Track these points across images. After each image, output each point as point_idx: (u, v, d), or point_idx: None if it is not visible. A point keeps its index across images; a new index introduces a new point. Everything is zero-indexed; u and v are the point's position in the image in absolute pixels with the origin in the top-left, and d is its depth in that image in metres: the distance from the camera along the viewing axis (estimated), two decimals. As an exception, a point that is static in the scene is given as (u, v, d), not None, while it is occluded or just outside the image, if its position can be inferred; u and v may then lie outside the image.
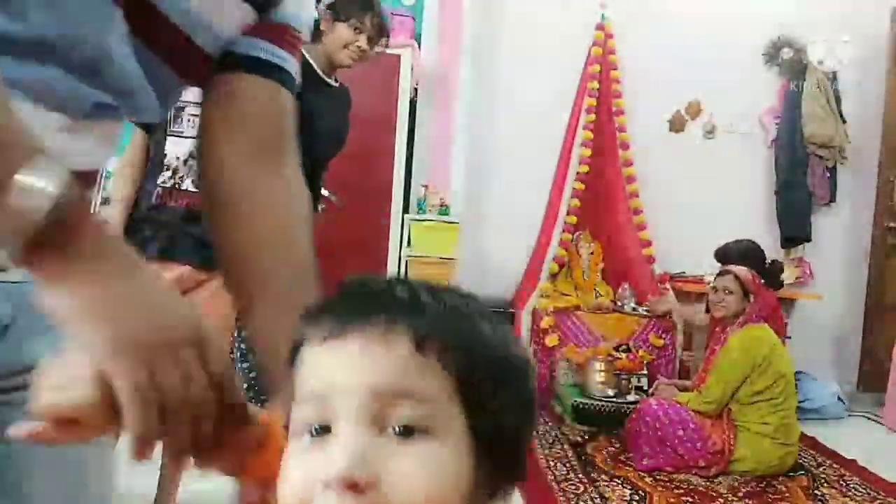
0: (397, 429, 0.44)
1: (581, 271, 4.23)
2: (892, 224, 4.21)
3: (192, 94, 1.99)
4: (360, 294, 0.48)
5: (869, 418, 3.90)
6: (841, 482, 2.85)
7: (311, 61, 2.15)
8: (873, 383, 4.18)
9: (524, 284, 4.16)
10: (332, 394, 0.45)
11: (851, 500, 2.67)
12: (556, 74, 4.24)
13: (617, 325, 3.91)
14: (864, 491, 2.77)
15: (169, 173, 2.03)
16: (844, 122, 4.31)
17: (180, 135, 2.04)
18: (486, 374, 0.47)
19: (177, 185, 2.01)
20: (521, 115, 4.20)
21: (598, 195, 4.26)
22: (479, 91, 4.15)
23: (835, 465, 3.04)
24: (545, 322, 3.84)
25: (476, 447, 0.46)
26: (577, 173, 4.15)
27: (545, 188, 4.28)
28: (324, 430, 0.45)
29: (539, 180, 4.27)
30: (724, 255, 3.57)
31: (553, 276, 4.11)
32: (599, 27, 4.24)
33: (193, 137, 1.99)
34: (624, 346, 3.80)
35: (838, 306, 4.39)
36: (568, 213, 4.14)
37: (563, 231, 4.13)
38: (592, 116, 4.17)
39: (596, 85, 4.21)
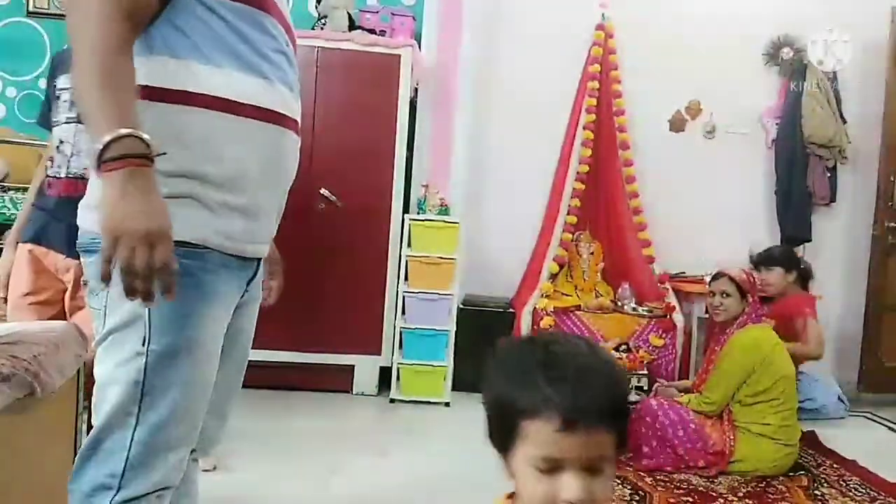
0: (596, 474, 0.83)
1: (581, 271, 4.24)
2: (892, 224, 4.21)
3: (66, 80, 1.98)
4: (579, 401, 0.82)
5: (869, 418, 3.90)
6: (841, 482, 2.85)
7: None
8: (873, 383, 4.18)
9: (524, 284, 4.16)
10: (563, 459, 0.82)
11: (851, 500, 2.67)
12: (557, 74, 4.24)
13: (617, 325, 3.91)
14: (864, 491, 2.77)
15: (50, 162, 2.06)
16: (844, 122, 4.31)
17: (58, 123, 2.06)
18: (627, 423, 0.88)
19: (56, 174, 2.03)
20: (522, 115, 4.20)
21: (598, 195, 4.26)
22: (479, 91, 4.15)
23: (835, 465, 3.04)
24: (545, 322, 3.84)
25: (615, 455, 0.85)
26: (577, 173, 4.15)
27: (545, 188, 4.28)
28: (556, 468, 0.83)
29: (539, 180, 4.28)
30: (763, 258, 3.64)
31: (553, 276, 4.11)
32: (599, 27, 4.24)
33: (67, 122, 2.02)
34: (624, 346, 3.81)
35: (838, 306, 4.39)
36: (568, 213, 4.14)
37: (564, 231, 4.13)
38: (592, 116, 4.17)
39: (596, 85, 4.21)
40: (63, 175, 2.02)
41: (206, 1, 1.13)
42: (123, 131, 0.97)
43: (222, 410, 1.36)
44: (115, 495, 1.11)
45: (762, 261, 3.71)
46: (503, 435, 0.87)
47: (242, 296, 1.28)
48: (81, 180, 1.97)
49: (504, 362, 0.89)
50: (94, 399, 1.16)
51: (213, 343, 1.20)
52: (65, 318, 2.05)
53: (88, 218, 1.14)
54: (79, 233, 1.18)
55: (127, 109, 1.00)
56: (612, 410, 0.83)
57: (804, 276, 3.77)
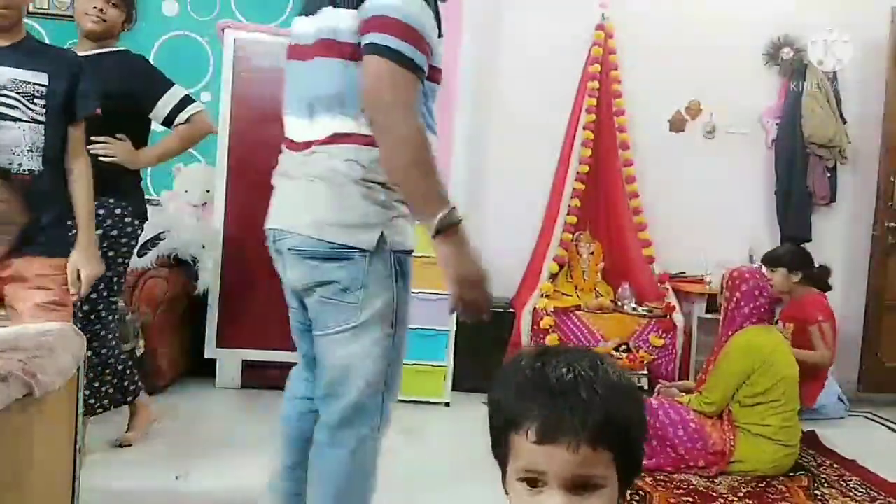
0: (584, 494, 0.79)
1: (581, 271, 4.24)
2: (892, 224, 4.21)
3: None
4: (557, 414, 0.78)
5: (869, 418, 3.90)
6: (841, 482, 2.85)
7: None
8: (873, 383, 4.18)
9: (524, 284, 4.16)
10: (547, 473, 0.78)
11: (851, 500, 2.67)
12: (557, 74, 4.24)
13: (617, 325, 3.91)
14: (864, 491, 2.76)
15: None
16: (844, 122, 4.31)
17: None
18: (632, 444, 0.82)
19: None
20: (522, 115, 4.20)
21: (598, 195, 4.26)
22: (478, 91, 4.15)
23: (835, 465, 3.04)
24: (545, 322, 3.84)
25: (621, 477, 0.81)
26: (577, 173, 4.15)
27: (545, 188, 4.28)
28: (539, 484, 0.80)
29: (539, 180, 4.28)
30: (768, 258, 3.71)
31: (553, 276, 4.11)
32: (599, 27, 4.24)
33: None
34: (624, 346, 3.80)
35: (838, 306, 4.38)
36: (568, 213, 4.14)
37: (564, 231, 4.13)
38: (592, 116, 4.17)
39: (596, 85, 4.21)
40: None
41: (430, 88, 1.49)
42: (451, 206, 1.39)
43: None
44: (378, 418, 1.53)
45: (767, 260, 3.73)
46: (498, 449, 0.86)
47: None
48: None
49: (503, 375, 0.88)
50: (335, 373, 1.50)
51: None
52: None
53: (342, 234, 1.45)
54: (315, 242, 1.46)
55: (444, 188, 1.41)
56: (604, 427, 0.77)
57: (816, 277, 3.75)
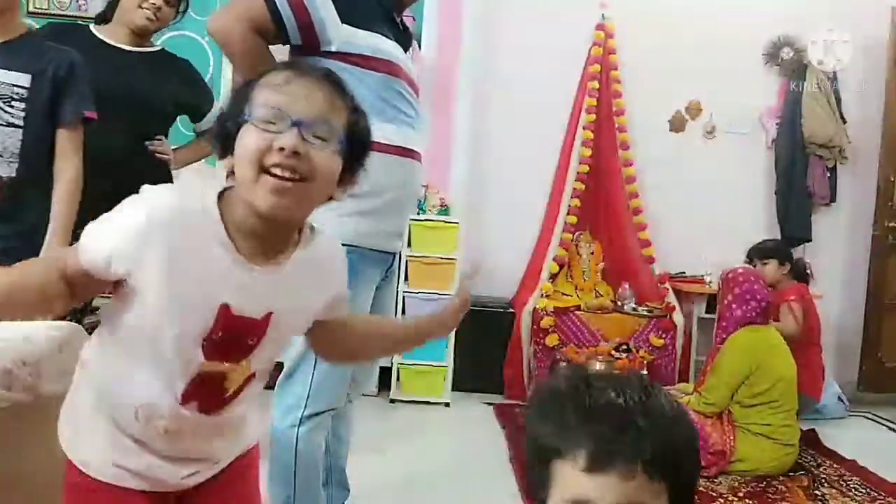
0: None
1: (581, 271, 4.24)
2: (892, 224, 4.21)
3: None
4: (609, 441, 0.74)
5: (869, 418, 3.90)
6: (841, 482, 2.85)
7: (105, 39, 2.32)
8: (873, 383, 4.18)
9: (524, 284, 4.16)
10: (596, 503, 0.74)
11: (851, 500, 2.67)
12: (557, 74, 4.24)
13: (617, 325, 3.91)
14: (864, 491, 2.77)
15: None
16: (844, 122, 4.31)
17: None
18: (685, 474, 0.77)
19: None
20: (522, 115, 4.20)
21: (598, 195, 4.26)
22: (478, 92, 4.15)
23: (835, 465, 3.04)
24: (545, 322, 3.84)
25: None
26: (577, 173, 4.15)
27: (545, 188, 4.28)
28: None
29: (539, 180, 4.27)
30: (757, 251, 3.75)
31: (553, 276, 4.11)
32: (599, 27, 4.24)
33: None
34: (624, 346, 3.80)
35: (838, 306, 4.39)
36: (568, 213, 4.14)
37: (564, 231, 4.13)
38: (592, 116, 4.17)
39: (596, 85, 4.21)
40: None
41: (357, 73, 1.63)
42: None
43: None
44: (301, 412, 1.68)
45: (756, 253, 3.74)
46: (538, 480, 0.80)
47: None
48: None
49: (542, 397, 0.83)
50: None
51: (363, 311, 1.71)
52: None
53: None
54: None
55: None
56: (659, 456, 0.74)
57: (798, 271, 3.80)
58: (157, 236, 0.91)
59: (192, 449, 1.06)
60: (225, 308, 0.95)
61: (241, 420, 1.11)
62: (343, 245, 1.16)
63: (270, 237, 0.98)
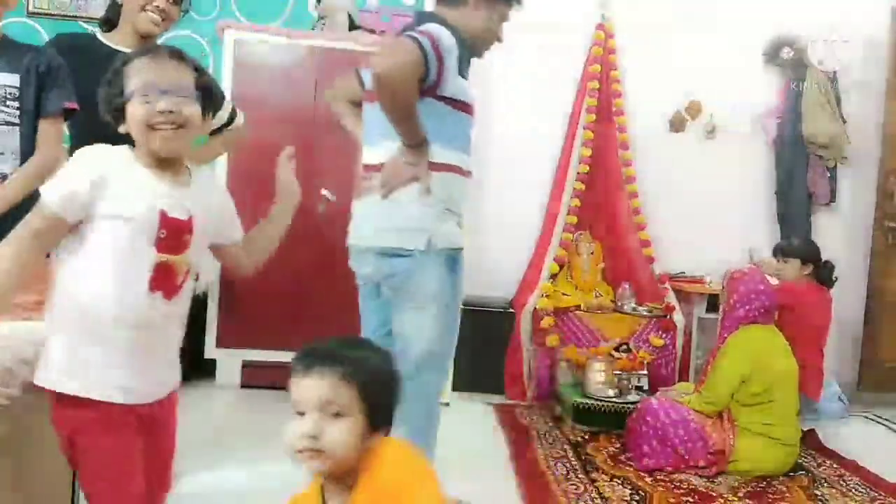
0: (331, 415, 1.11)
1: (581, 271, 4.24)
2: (892, 224, 4.21)
3: None
4: (312, 354, 1.17)
5: (869, 418, 3.90)
6: (841, 482, 2.85)
7: (115, 46, 2.24)
8: (873, 383, 4.18)
9: (524, 284, 4.16)
10: (303, 401, 1.13)
11: (851, 500, 2.67)
12: (557, 74, 4.24)
13: (617, 325, 3.91)
14: (864, 491, 2.77)
15: None
16: (844, 122, 4.31)
17: None
18: (371, 385, 1.13)
19: None
20: (521, 115, 4.20)
21: (598, 195, 4.26)
22: (478, 91, 4.12)
23: (835, 465, 3.04)
24: (545, 322, 3.84)
25: (367, 416, 1.12)
26: (577, 173, 4.15)
27: (545, 188, 4.28)
28: (300, 413, 1.12)
29: (539, 180, 4.28)
30: (783, 247, 3.70)
31: (553, 276, 4.11)
32: (599, 27, 4.24)
33: None
34: (624, 346, 3.80)
35: (838, 306, 4.38)
36: (568, 213, 4.14)
37: (564, 231, 4.13)
38: (592, 116, 4.17)
39: (596, 85, 4.21)
40: None
41: (457, 115, 2.02)
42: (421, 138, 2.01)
43: None
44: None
45: (781, 250, 3.69)
46: None
47: None
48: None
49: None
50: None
51: (462, 292, 2.28)
52: None
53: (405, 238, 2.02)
54: (386, 244, 2.02)
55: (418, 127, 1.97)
56: (354, 369, 1.12)
57: (822, 274, 3.73)
58: (103, 167, 1.31)
59: (156, 361, 1.41)
60: (163, 212, 1.34)
61: (177, 340, 1.47)
62: (454, 249, 2.12)
63: (170, 167, 1.39)
